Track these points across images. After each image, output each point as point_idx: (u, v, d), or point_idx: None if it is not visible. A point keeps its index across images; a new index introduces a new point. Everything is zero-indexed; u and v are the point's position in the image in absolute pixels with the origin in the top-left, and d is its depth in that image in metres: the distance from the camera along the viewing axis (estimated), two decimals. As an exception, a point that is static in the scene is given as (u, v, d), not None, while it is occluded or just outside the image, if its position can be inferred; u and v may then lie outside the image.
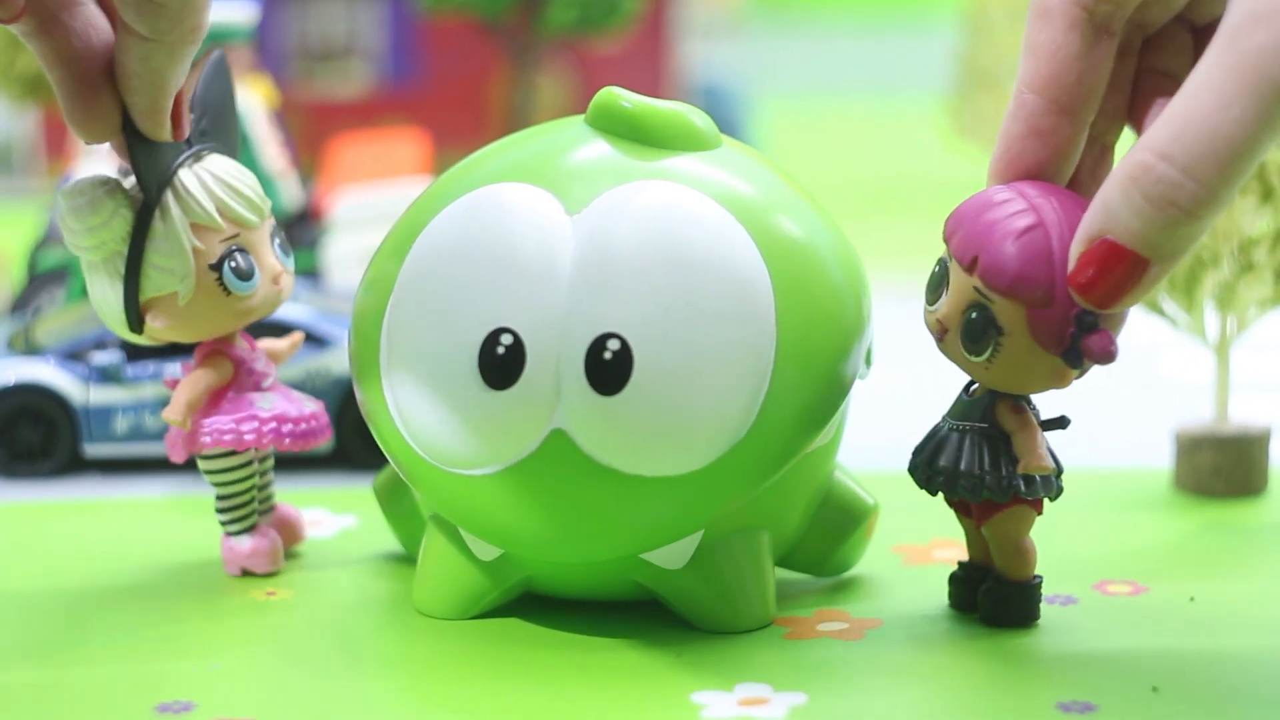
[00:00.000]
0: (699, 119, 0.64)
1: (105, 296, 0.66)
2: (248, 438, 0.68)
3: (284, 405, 0.69)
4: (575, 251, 0.61)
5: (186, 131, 0.66)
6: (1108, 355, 0.57)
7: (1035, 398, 0.62)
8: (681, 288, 0.60)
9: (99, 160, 1.12)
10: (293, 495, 0.74)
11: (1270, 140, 0.53)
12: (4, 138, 1.77)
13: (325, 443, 0.71)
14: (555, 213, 0.62)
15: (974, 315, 0.59)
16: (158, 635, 0.64)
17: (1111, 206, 0.55)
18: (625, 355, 0.60)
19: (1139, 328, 1.01)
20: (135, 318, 0.66)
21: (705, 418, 0.60)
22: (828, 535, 0.67)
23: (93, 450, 0.86)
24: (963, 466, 0.61)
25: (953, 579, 0.65)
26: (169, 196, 0.65)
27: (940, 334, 0.60)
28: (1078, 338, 0.58)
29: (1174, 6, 0.60)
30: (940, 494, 0.63)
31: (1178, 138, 0.53)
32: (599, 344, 0.60)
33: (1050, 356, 0.58)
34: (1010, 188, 0.59)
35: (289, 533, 0.72)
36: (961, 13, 1.80)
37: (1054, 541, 0.70)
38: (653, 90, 0.65)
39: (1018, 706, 0.57)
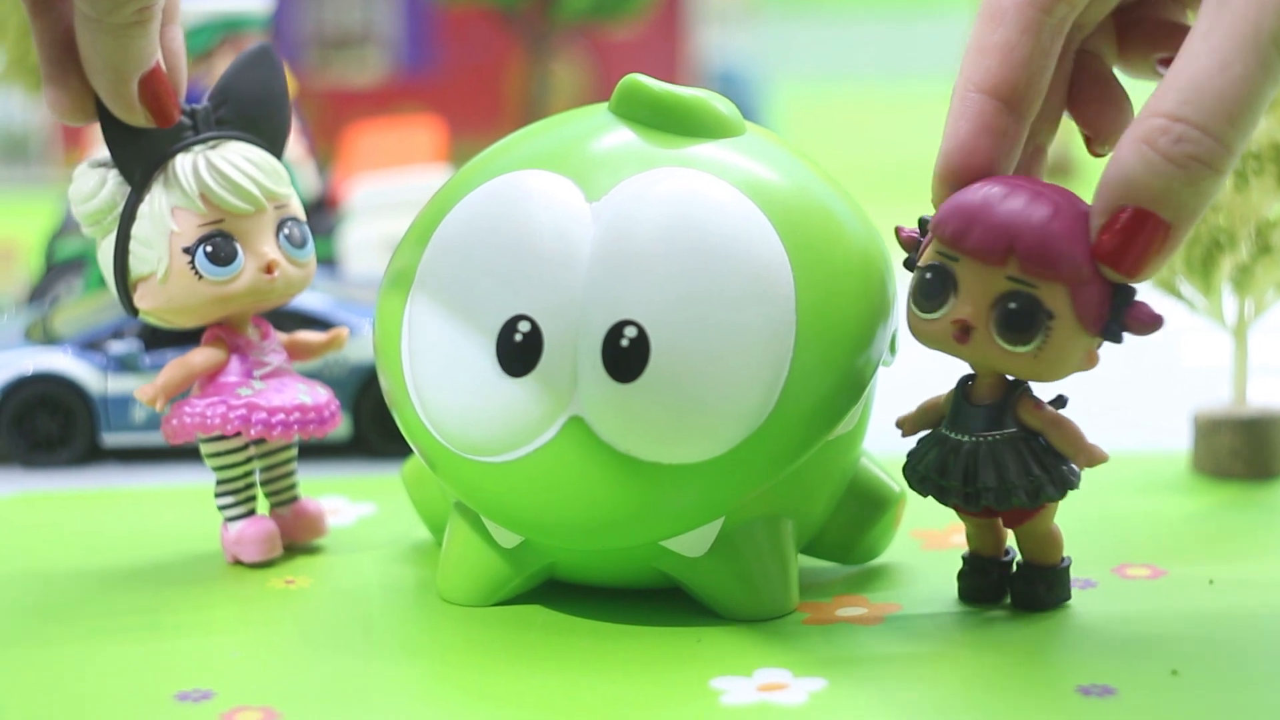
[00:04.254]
0: (723, 106, 0.64)
1: (106, 277, 0.67)
2: (212, 422, 0.68)
3: (268, 394, 0.68)
4: (594, 238, 0.61)
5: (177, 118, 0.65)
6: (1157, 321, 0.57)
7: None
8: (699, 274, 0.60)
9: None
10: (311, 483, 0.74)
11: (1273, 87, 0.54)
12: (20, 127, 1.77)
13: (316, 436, 0.70)
14: (575, 200, 0.62)
15: (1013, 305, 0.57)
16: (176, 624, 0.64)
17: (1131, 174, 0.55)
18: (642, 342, 0.60)
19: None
20: (125, 297, 0.67)
21: (723, 405, 0.60)
22: (853, 523, 0.67)
23: (111, 439, 0.86)
24: (1013, 479, 0.60)
25: (962, 575, 0.64)
26: (158, 180, 0.66)
27: (963, 335, 0.58)
28: (1119, 312, 0.57)
29: (1111, 3, 0.60)
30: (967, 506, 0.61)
31: (1187, 100, 0.54)
32: (616, 331, 0.60)
33: (1086, 337, 0.58)
34: (995, 181, 0.58)
35: (309, 527, 0.72)
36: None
37: (1072, 525, 0.70)
38: (668, 77, 0.64)
39: (1037, 690, 0.57)
